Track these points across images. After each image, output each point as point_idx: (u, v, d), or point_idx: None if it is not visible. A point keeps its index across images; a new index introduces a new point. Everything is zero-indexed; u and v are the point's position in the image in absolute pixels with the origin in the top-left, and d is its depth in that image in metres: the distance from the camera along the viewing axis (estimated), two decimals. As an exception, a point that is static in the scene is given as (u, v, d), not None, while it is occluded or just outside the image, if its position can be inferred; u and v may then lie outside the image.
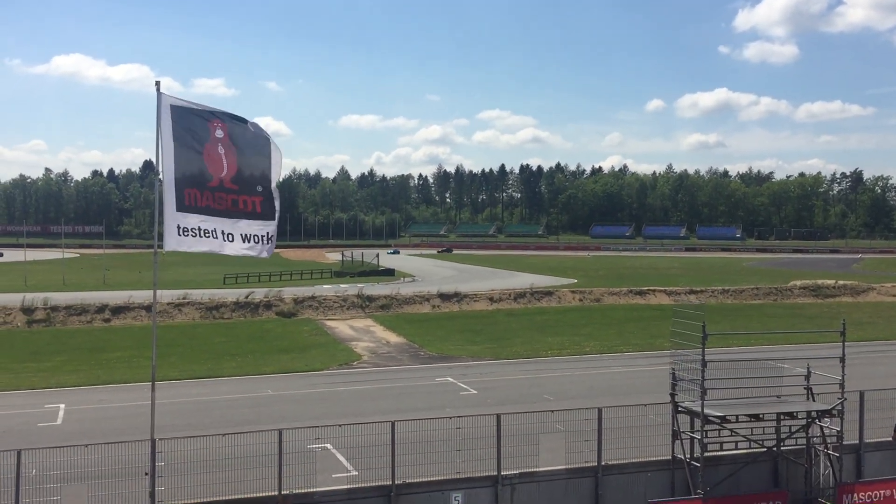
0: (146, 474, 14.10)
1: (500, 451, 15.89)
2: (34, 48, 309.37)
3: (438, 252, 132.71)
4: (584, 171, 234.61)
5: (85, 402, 28.09)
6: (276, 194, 14.41)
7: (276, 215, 14.44)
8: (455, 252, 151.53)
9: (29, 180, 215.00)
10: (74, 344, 40.96)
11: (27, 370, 34.03)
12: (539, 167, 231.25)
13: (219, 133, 13.95)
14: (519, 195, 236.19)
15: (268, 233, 14.35)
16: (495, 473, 15.94)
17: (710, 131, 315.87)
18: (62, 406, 27.21)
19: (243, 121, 14.19)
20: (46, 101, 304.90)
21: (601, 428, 16.49)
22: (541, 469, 16.46)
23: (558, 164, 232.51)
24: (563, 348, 40.10)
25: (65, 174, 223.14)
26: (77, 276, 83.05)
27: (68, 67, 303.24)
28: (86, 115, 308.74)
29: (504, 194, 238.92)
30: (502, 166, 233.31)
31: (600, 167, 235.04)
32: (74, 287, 68.67)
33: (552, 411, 17.63)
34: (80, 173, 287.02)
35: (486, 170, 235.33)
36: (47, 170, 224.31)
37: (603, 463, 16.55)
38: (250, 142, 14.19)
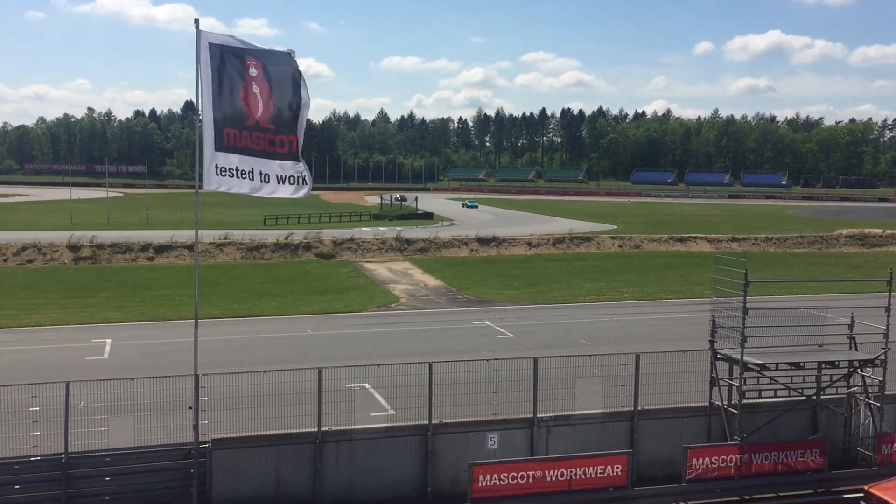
0: (190, 408, 14.44)
1: (536, 394, 15.97)
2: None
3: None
4: (627, 115, 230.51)
5: (130, 337, 28.81)
6: (301, 134, 14.28)
7: (302, 155, 14.36)
8: (494, 196, 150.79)
9: (73, 119, 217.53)
10: (119, 281, 41.87)
11: (74, 306, 34.92)
12: (581, 111, 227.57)
13: (253, 71, 13.82)
14: (559, 140, 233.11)
15: (302, 173, 14.27)
16: (531, 416, 16.05)
17: (760, 75, 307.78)
18: (108, 341, 27.93)
19: (280, 53, 14.00)
20: (91, 41, 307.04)
21: (638, 373, 16.45)
22: (577, 412, 16.53)
23: (600, 109, 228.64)
24: (601, 294, 39.95)
25: (108, 114, 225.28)
26: (121, 215, 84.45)
27: (113, 6, 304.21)
28: (130, 55, 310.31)
29: (544, 139, 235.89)
30: (543, 110, 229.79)
31: (643, 112, 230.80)
32: (119, 225, 69.95)
33: (589, 356, 17.61)
34: (123, 113, 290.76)
35: (527, 113, 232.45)
36: (90, 109, 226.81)
37: (639, 408, 16.56)
38: (283, 81, 14.04)
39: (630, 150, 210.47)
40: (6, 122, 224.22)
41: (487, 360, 17.17)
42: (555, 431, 16.28)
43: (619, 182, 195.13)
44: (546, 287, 41.92)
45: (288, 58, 14.07)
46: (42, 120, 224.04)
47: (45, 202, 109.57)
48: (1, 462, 13.78)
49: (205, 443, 14.58)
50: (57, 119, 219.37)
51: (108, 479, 14.28)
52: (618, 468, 15.38)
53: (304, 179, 14.31)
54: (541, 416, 16.09)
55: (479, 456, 15.47)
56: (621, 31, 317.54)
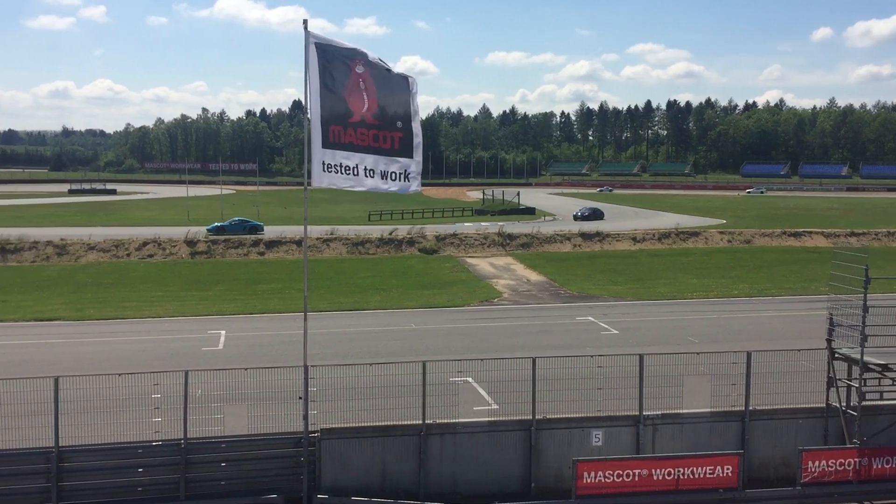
0: (300, 398, 14.88)
1: (642, 391, 15.70)
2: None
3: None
4: (737, 106, 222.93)
5: (243, 329, 29.91)
6: (416, 132, 14.49)
7: (416, 153, 14.53)
8: (596, 191, 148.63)
9: (189, 120, 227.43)
10: (232, 275, 43.52)
11: (191, 298, 36.53)
12: (688, 103, 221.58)
13: (359, 69, 14.14)
14: (665, 132, 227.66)
15: (406, 170, 14.48)
16: (637, 413, 15.79)
17: (883, 62, 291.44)
18: (223, 332, 29.09)
19: (381, 62, 14.32)
20: (209, 44, 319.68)
21: (750, 372, 15.93)
22: (685, 411, 16.15)
23: (708, 100, 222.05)
24: (709, 290, 38.85)
25: (221, 114, 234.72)
26: (234, 211, 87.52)
27: (230, 10, 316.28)
28: (245, 57, 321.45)
29: (649, 132, 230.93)
30: (648, 102, 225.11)
31: (755, 102, 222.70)
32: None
33: (697, 353, 17.14)
34: (236, 113, 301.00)
35: (632, 107, 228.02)
36: (204, 110, 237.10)
37: (751, 408, 16.04)
38: (390, 79, 14.33)
39: (740, 142, 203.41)
40: (129, 124, 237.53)
41: (591, 357, 16.98)
42: (662, 430, 15.96)
43: (727, 175, 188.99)
44: (651, 283, 41.08)
45: (402, 80, 14.37)
46: (160, 121, 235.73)
47: (163, 199, 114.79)
48: (126, 446, 14.55)
49: (314, 432, 14.98)
50: (175, 120, 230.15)
51: (223, 464, 14.86)
52: (728, 469, 14.95)
53: (407, 176, 14.50)
54: (647, 413, 15.81)
55: (583, 452, 15.33)
56: (734, 19, 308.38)
